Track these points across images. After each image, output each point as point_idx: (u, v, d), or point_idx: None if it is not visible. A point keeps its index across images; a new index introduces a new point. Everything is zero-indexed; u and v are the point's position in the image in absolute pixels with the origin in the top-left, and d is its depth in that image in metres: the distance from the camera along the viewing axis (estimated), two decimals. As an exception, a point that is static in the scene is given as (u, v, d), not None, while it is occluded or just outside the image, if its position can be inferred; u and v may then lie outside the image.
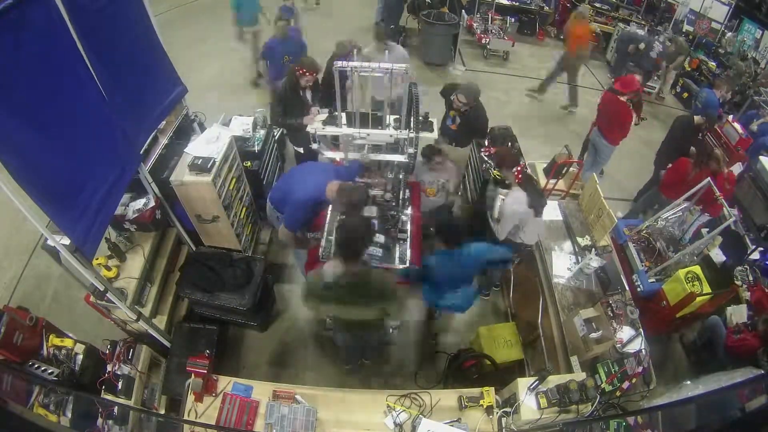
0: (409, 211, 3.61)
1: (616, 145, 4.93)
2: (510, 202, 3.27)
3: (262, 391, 2.54)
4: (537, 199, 3.27)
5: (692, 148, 4.50)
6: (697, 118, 4.83)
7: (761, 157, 4.74)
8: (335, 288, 2.39)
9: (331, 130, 3.10)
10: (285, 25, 5.11)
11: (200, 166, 3.27)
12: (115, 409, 2.50)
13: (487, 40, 8.21)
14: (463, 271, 2.96)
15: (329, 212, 3.56)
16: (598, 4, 9.06)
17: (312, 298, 2.57)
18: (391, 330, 3.70)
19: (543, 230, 3.55)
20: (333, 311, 2.76)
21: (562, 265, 3.46)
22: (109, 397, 2.76)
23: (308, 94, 4.01)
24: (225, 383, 2.55)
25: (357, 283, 2.40)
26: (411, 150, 3.05)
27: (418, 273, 3.12)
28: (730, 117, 5.16)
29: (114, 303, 2.76)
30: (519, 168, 3.30)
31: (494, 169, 3.91)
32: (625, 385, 2.53)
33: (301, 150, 4.39)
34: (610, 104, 4.77)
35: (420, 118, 2.97)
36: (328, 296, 2.46)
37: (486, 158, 4.27)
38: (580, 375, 2.67)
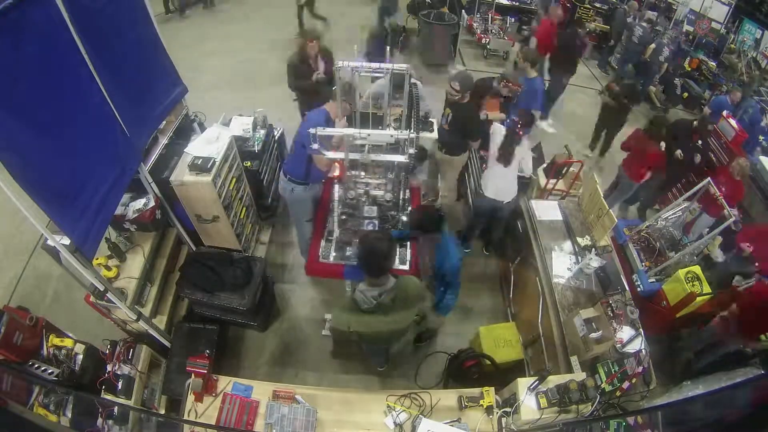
0: (409, 211, 3.60)
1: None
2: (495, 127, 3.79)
3: (262, 391, 2.54)
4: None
5: (678, 151, 4.66)
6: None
7: (761, 157, 4.75)
8: (378, 308, 2.35)
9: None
10: None
11: (200, 166, 3.27)
12: (115, 409, 2.50)
13: (487, 40, 8.21)
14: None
15: (330, 211, 3.56)
16: (598, 4, 9.06)
17: (347, 324, 2.49)
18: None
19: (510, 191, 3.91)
20: (363, 330, 2.62)
21: (562, 265, 3.46)
22: (109, 397, 2.76)
23: (320, 64, 4.42)
24: (225, 383, 2.55)
25: (397, 296, 2.36)
26: (411, 150, 3.05)
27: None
28: (725, 112, 5.15)
29: (114, 303, 2.76)
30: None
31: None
32: (625, 385, 2.53)
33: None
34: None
35: (420, 118, 2.97)
36: (372, 319, 2.41)
37: (485, 158, 4.26)
38: (580, 375, 2.67)
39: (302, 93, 4.69)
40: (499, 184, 3.81)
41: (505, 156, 3.69)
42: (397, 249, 3.30)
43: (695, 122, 4.94)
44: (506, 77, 4.37)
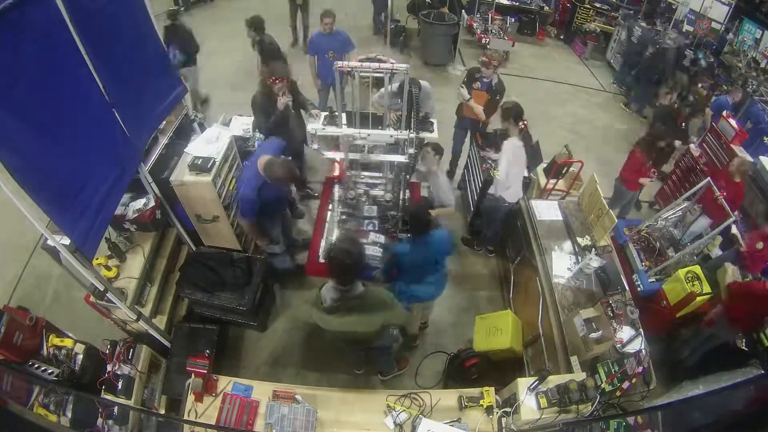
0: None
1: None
2: (511, 144, 3.67)
3: (262, 391, 2.54)
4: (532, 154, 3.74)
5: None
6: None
7: (761, 157, 4.74)
8: (338, 310, 2.34)
9: (331, 131, 3.11)
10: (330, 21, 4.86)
11: (200, 166, 3.27)
12: (115, 409, 2.50)
13: (487, 40, 8.21)
14: (437, 254, 3.03)
15: (328, 213, 3.56)
16: (598, 4, 9.07)
17: (318, 318, 2.49)
18: (393, 344, 3.65)
19: (521, 192, 4.00)
20: (322, 325, 2.61)
21: (562, 265, 3.46)
22: (109, 397, 2.76)
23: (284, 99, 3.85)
24: (225, 383, 2.55)
25: (360, 303, 2.34)
26: (411, 150, 3.05)
27: (390, 262, 3.08)
28: (724, 112, 5.16)
29: (114, 303, 2.76)
30: (524, 122, 3.73)
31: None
32: (625, 385, 2.52)
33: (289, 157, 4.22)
34: None
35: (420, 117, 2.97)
36: (332, 318, 2.39)
37: (485, 158, 4.28)
38: (580, 375, 2.67)
39: (274, 132, 3.96)
40: (514, 187, 3.87)
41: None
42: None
43: (676, 104, 5.28)
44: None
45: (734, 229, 3.95)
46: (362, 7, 8.42)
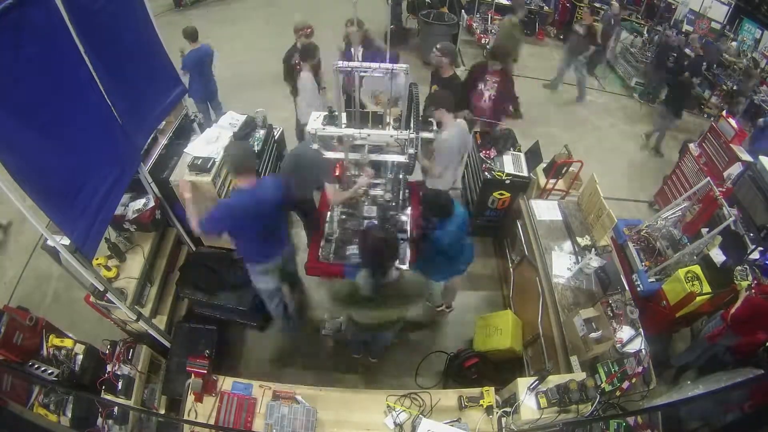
0: (408, 211, 3.60)
1: None
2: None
3: (262, 391, 2.54)
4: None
5: None
6: None
7: (761, 157, 4.73)
8: (371, 298, 2.38)
9: (331, 131, 3.10)
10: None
11: (200, 166, 3.27)
12: (115, 409, 2.51)
13: (487, 40, 8.21)
14: (463, 228, 3.13)
15: (327, 213, 3.55)
16: (597, 4, 9.07)
17: (342, 303, 2.55)
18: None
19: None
20: (355, 315, 2.72)
21: (562, 265, 3.46)
22: (109, 397, 2.76)
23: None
24: (225, 383, 2.55)
25: (393, 293, 2.39)
26: (411, 150, 3.05)
27: (426, 260, 3.19)
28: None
29: (114, 303, 2.76)
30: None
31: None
32: (625, 385, 2.53)
33: None
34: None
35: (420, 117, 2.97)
36: (361, 304, 2.45)
37: (485, 158, 4.28)
38: (580, 375, 2.66)
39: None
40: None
41: None
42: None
43: None
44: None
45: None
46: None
